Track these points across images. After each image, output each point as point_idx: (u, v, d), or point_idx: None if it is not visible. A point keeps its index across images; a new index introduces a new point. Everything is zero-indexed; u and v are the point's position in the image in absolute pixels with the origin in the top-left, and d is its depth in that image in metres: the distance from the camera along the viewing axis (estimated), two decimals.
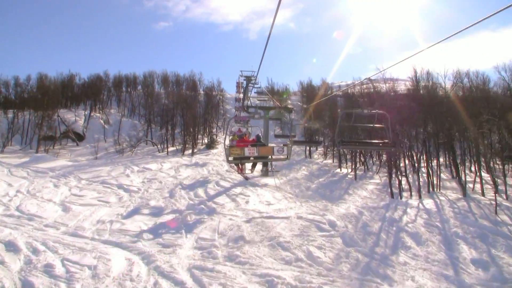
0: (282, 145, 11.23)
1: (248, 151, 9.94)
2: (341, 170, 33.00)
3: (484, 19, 3.56)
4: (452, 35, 4.28)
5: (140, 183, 22.42)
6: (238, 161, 10.55)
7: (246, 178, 16.36)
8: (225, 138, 12.15)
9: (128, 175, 25.46)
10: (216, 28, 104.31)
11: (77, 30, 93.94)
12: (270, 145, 11.70)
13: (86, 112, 54.73)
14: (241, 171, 14.14)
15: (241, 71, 19.84)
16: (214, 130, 53.47)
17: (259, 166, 23.45)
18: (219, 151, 43.84)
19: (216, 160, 34.75)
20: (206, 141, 46.77)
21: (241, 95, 20.32)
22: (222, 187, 19.61)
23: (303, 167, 33.16)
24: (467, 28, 3.86)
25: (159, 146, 42.40)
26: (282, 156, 10.74)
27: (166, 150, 41.27)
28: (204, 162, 31.94)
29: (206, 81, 69.02)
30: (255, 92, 23.00)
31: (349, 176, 29.74)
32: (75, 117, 52.47)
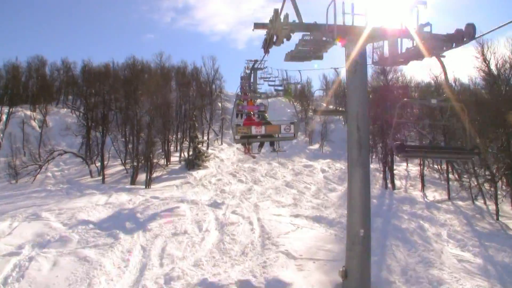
0: (289, 123, 8.71)
1: (254, 129, 8.42)
2: None
3: None
4: None
5: None
6: (245, 140, 8.79)
7: (253, 157, 14.35)
8: (232, 116, 9.88)
9: None
10: (204, 39, 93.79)
11: (56, 40, 78.05)
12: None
13: (4, 109, 34.64)
14: (248, 151, 11.62)
15: (247, 60, 15.59)
16: (205, 136, 32.68)
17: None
18: (210, 173, 23.06)
19: (195, 208, 13.92)
20: (187, 154, 25.82)
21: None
22: None
23: (413, 218, 12.49)
24: None
25: (92, 164, 21.83)
26: (289, 135, 8.64)
27: (101, 173, 20.63)
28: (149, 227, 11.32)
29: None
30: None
31: None
32: None
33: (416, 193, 20.43)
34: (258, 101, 13.61)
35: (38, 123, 36.21)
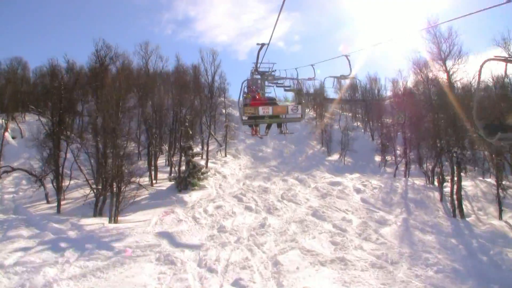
0: (296, 103, 8.97)
1: (262, 110, 8.67)
2: None
3: None
4: None
5: None
6: (253, 121, 8.74)
7: (261, 137, 11.58)
8: (239, 98, 8.73)
9: None
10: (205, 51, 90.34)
11: (52, 54, 75.97)
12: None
13: None
14: (255, 132, 10.43)
15: (254, 62, 12.12)
16: (204, 147, 26.79)
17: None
18: (208, 196, 17.32)
19: (170, 273, 8.23)
20: (176, 169, 20.06)
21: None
22: None
23: None
24: None
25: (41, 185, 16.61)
26: (296, 116, 8.70)
27: (58, 200, 15.19)
28: None
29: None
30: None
31: None
32: None
33: (497, 223, 14.46)
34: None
35: (12, 133, 31.30)
